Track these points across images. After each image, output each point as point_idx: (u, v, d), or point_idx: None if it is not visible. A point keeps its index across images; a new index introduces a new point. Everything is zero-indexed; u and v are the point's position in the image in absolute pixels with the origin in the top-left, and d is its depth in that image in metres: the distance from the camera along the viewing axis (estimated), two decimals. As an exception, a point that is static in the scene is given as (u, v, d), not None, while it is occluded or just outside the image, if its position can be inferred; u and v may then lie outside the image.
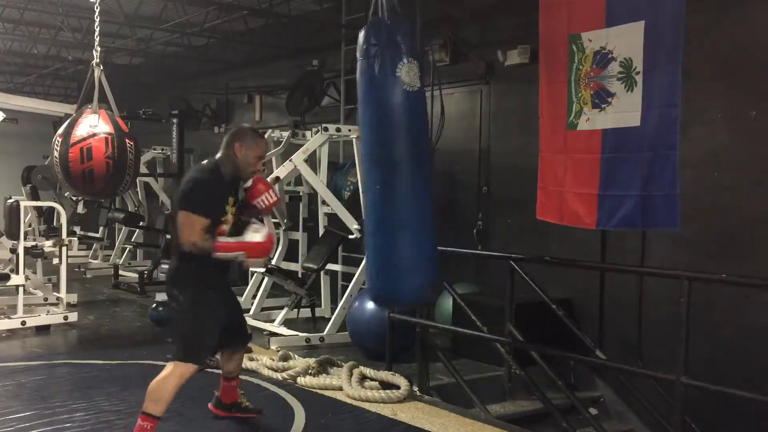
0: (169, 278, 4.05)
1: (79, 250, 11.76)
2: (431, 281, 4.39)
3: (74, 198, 10.73)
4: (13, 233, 7.61)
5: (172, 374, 3.82)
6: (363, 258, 7.18)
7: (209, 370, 5.49)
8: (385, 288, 4.41)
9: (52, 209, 9.53)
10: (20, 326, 7.03)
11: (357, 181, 7.28)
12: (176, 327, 4.06)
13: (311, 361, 5.63)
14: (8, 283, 7.36)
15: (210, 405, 4.53)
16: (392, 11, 4.14)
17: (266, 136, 8.51)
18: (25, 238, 7.57)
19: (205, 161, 4.05)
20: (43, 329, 7.18)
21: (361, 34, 4.23)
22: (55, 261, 8.15)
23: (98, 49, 6.44)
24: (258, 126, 10.74)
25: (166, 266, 4.24)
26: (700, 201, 5.46)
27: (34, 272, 8.52)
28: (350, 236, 7.14)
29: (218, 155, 4.03)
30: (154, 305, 7.11)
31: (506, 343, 5.10)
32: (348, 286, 7.23)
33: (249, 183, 4.04)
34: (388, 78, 4.10)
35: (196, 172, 4.01)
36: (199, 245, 3.76)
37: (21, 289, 7.18)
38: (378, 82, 4.12)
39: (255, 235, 3.88)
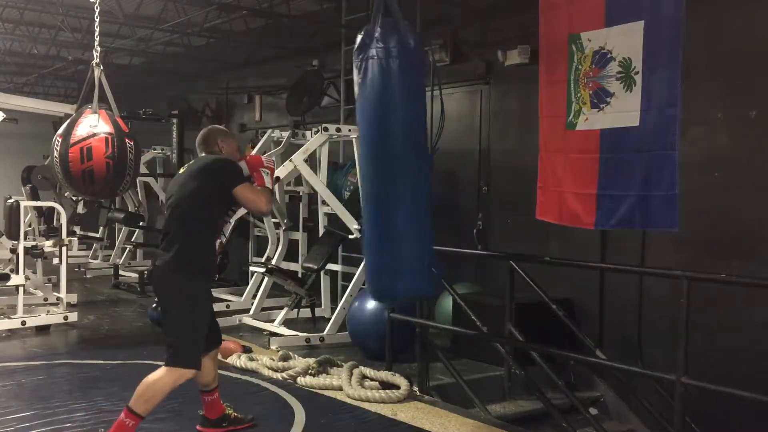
0: (165, 281, 3.87)
1: (79, 250, 11.79)
2: (433, 279, 4.35)
3: (74, 198, 10.73)
4: (13, 233, 7.62)
5: (168, 376, 3.75)
6: (363, 258, 7.19)
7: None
8: (386, 286, 4.38)
9: (52, 209, 9.54)
10: (20, 326, 7.04)
11: (357, 181, 7.28)
12: (176, 332, 3.84)
13: (311, 361, 5.64)
14: (8, 283, 7.37)
15: (198, 427, 4.30)
16: (388, 11, 4.12)
17: (266, 136, 8.54)
18: (25, 238, 7.57)
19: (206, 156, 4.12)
20: (43, 329, 7.18)
21: (359, 35, 4.23)
22: (55, 261, 8.15)
23: (98, 49, 6.44)
24: (258, 126, 10.76)
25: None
26: (700, 201, 5.46)
27: (34, 272, 8.53)
28: (350, 236, 7.14)
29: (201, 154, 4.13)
30: (154, 305, 7.11)
31: (506, 343, 5.10)
32: (348, 286, 7.24)
33: (244, 165, 4.07)
34: (383, 78, 4.07)
35: (213, 158, 4.02)
36: (270, 199, 3.98)
37: (21, 289, 7.19)
38: (374, 81, 4.10)
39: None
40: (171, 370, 3.78)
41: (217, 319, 4.10)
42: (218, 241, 4.04)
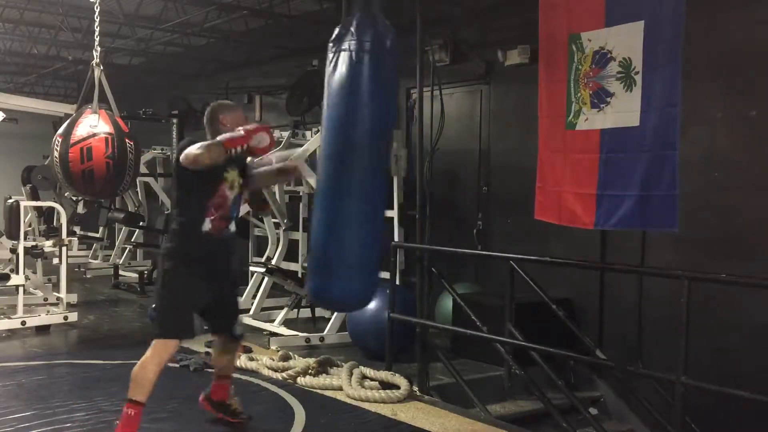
0: (159, 258, 4.17)
1: (79, 250, 11.77)
2: (374, 284, 4.22)
3: (74, 198, 10.72)
4: (13, 233, 7.61)
5: (151, 355, 3.84)
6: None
7: (208, 369, 5.51)
8: (325, 286, 4.28)
9: (52, 209, 9.53)
10: (20, 326, 7.03)
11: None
12: (157, 302, 4.10)
13: (311, 361, 5.63)
14: (8, 283, 7.36)
15: (201, 396, 4.42)
16: (369, 7, 4.06)
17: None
18: (25, 238, 7.57)
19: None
20: (43, 329, 7.17)
21: (337, 28, 4.17)
22: (55, 261, 8.14)
23: (98, 49, 6.44)
24: (258, 126, 10.74)
25: None
26: (700, 201, 5.46)
27: (34, 272, 8.52)
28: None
29: (208, 138, 4.04)
30: (154, 305, 7.11)
31: (506, 343, 5.10)
32: (348, 286, 7.22)
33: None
34: (351, 71, 4.02)
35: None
36: (208, 148, 3.69)
37: (21, 289, 7.18)
38: (342, 74, 4.05)
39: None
40: (154, 345, 3.87)
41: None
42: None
